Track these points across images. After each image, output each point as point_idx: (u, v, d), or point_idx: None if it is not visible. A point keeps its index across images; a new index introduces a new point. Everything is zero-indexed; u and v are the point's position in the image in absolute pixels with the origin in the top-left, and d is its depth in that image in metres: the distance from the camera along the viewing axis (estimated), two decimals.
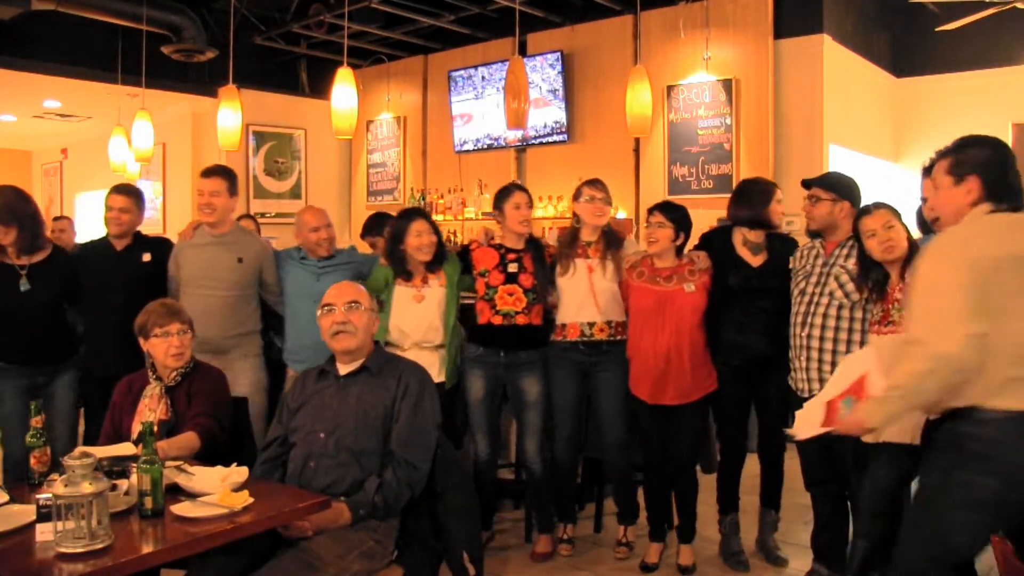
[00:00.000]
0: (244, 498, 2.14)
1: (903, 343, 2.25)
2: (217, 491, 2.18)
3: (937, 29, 6.07)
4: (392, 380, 2.60)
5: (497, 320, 3.54)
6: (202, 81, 7.73)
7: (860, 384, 2.41)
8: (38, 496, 1.96)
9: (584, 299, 3.50)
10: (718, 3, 6.08)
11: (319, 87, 8.33)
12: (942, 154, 2.32)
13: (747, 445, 3.60)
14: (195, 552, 2.05)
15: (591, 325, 3.50)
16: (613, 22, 6.69)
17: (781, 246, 3.42)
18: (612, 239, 3.58)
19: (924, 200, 2.70)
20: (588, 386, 3.58)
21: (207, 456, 2.60)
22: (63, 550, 1.84)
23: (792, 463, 3.53)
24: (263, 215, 7.89)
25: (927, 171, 2.67)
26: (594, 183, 3.61)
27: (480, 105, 7.40)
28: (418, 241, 3.52)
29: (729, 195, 5.82)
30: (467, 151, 7.54)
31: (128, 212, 3.74)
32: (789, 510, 3.77)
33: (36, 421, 2.36)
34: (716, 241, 3.54)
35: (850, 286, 3.03)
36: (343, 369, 2.66)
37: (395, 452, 2.51)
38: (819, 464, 3.19)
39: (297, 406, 2.67)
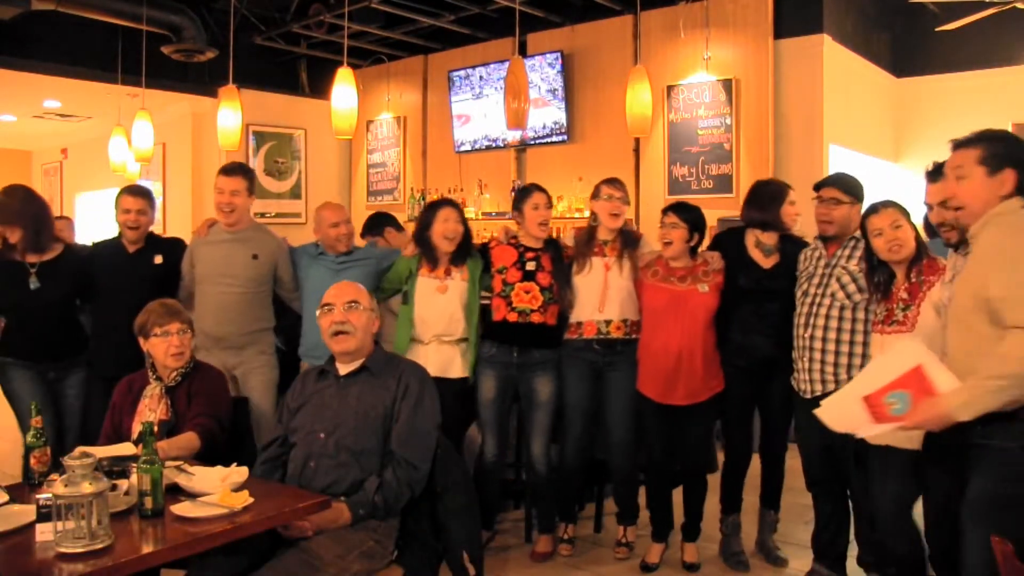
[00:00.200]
0: (244, 498, 2.14)
1: (985, 336, 2.14)
2: (217, 491, 2.18)
3: (937, 29, 6.07)
4: (392, 380, 2.60)
5: (512, 317, 3.54)
6: (202, 81, 7.73)
7: (913, 378, 2.27)
8: (38, 496, 1.96)
9: (600, 295, 3.51)
10: (718, 3, 6.08)
11: (319, 87, 8.32)
12: (963, 144, 2.28)
13: (752, 446, 3.60)
14: (195, 552, 2.05)
15: (608, 323, 3.51)
16: (613, 22, 6.68)
17: (793, 249, 3.40)
18: (629, 238, 3.59)
19: (929, 207, 2.65)
20: (599, 386, 3.58)
21: (207, 456, 2.60)
22: (63, 550, 1.84)
23: (793, 463, 3.53)
24: (263, 215, 7.90)
25: (932, 176, 2.63)
26: (613, 182, 3.63)
27: (479, 105, 7.39)
28: (444, 227, 3.55)
29: (729, 195, 5.93)
30: (467, 151, 7.54)
31: (144, 214, 3.77)
32: (789, 510, 3.78)
33: (36, 421, 2.37)
34: (728, 242, 3.54)
35: (851, 287, 3.03)
36: (343, 369, 2.66)
37: (395, 452, 2.51)
38: (820, 464, 3.19)
39: (297, 406, 2.67)
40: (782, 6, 5.91)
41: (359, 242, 4.19)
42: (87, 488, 1.87)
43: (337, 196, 8.61)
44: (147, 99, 6.75)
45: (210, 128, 6.75)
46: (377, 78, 8.28)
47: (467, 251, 3.65)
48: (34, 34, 6.74)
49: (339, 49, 6.94)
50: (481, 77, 7.33)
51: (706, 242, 3.59)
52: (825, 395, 3.04)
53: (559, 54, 6.81)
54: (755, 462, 3.63)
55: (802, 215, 3.49)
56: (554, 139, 6.96)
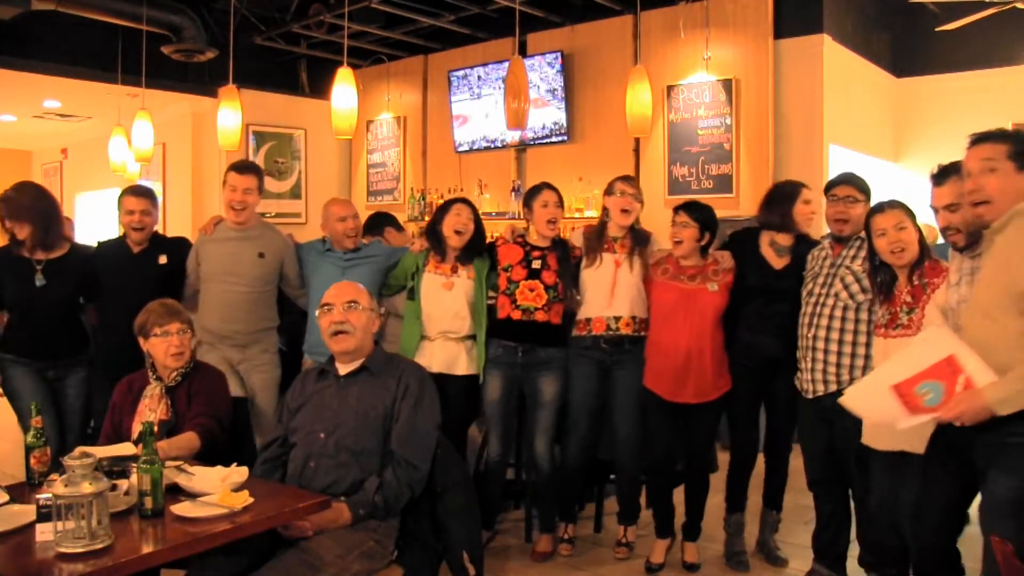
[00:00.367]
0: (244, 498, 2.14)
1: (1014, 330, 2.11)
2: (217, 491, 2.18)
3: (937, 29, 6.07)
4: (392, 380, 2.60)
5: (516, 315, 3.55)
6: (202, 81, 7.73)
7: (946, 368, 2.21)
8: (38, 496, 1.96)
9: (610, 290, 3.51)
10: (718, 3, 6.08)
11: (319, 87, 8.32)
12: (991, 138, 2.27)
13: (757, 446, 3.60)
14: (195, 552, 2.05)
15: (617, 319, 3.51)
16: (613, 22, 6.68)
17: (806, 250, 3.36)
18: (639, 237, 3.60)
19: (936, 210, 2.62)
20: (606, 384, 3.58)
21: (207, 456, 2.60)
22: (63, 550, 1.84)
23: (794, 462, 3.53)
24: (263, 215, 7.89)
25: (937, 179, 2.60)
26: (627, 179, 3.66)
27: (477, 105, 7.39)
28: (455, 220, 3.57)
29: (729, 195, 5.93)
30: (465, 151, 7.54)
31: (148, 214, 3.77)
32: (789, 510, 3.77)
33: (36, 421, 2.37)
34: (742, 241, 3.54)
35: (855, 287, 3.02)
36: (343, 369, 2.66)
37: (395, 452, 2.51)
38: (822, 464, 3.19)
39: (297, 406, 2.67)
40: (782, 6, 5.90)
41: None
42: (87, 488, 1.87)
43: (337, 196, 8.60)
44: (147, 99, 6.75)
45: (210, 128, 6.75)
46: (377, 78, 8.28)
47: (477, 251, 3.65)
48: (34, 34, 6.73)
49: (339, 49, 6.94)
50: (479, 77, 7.33)
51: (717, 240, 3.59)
52: (827, 395, 3.05)
53: (559, 54, 6.81)
54: (758, 461, 3.62)
55: (817, 213, 3.46)
56: (553, 139, 6.97)
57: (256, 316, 3.69)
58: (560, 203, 3.67)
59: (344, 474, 2.50)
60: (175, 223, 8.05)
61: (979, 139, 2.32)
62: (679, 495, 3.64)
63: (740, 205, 5.95)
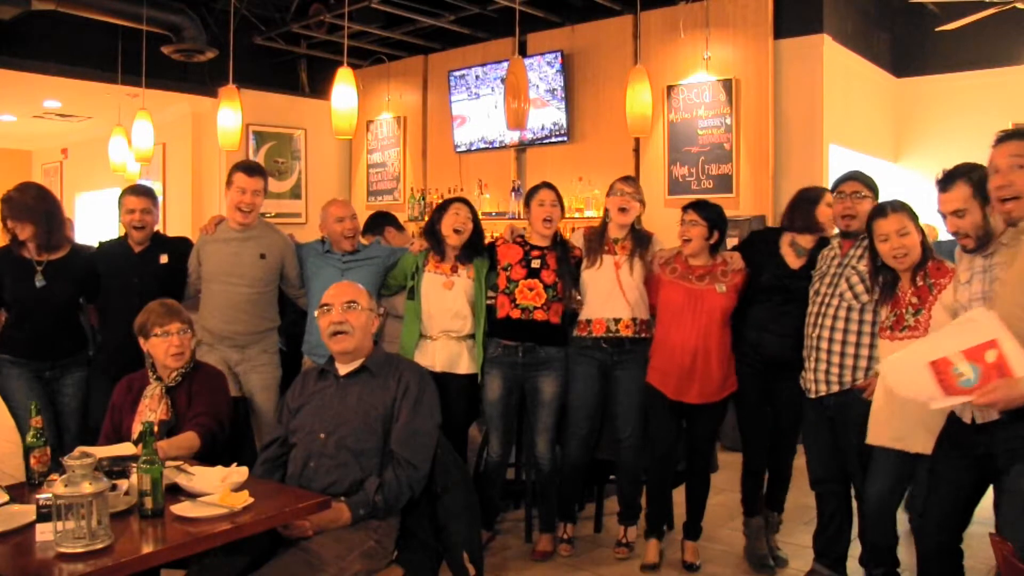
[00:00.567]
0: (244, 498, 2.14)
1: None
2: (217, 491, 2.18)
3: (937, 29, 6.07)
4: (392, 380, 2.60)
5: (516, 314, 3.55)
6: (202, 81, 7.73)
7: (987, 351, 2.18)
8: (38, 496, 1.96)
9: (610, 292, 3.51)
10: (718, 3, 6.08)
11: (319, 87, 8.33)
12: (1015, 136, 2.28)
13: (767, 446, 3.58)
14: (195, 552, 2.05)
15: (617, 321, 3.51)
16: (613, 22, 6.69)
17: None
18: (641, 238, 3.59)
19: (944, 215, 2.60)
20: (607, 384, 3.58)
21: (207, 456, 2.60)
22: (63, 550, 1.84)
23: (797, 462, 3.53)
24: (263, 215, 7.89)
25: (942, 184, 2.59)
26: (627, 179, 3.67)
27: (474, 106, 7.39)
28: (454, 219, 3.58)
29: (729, 195, 5.93)
30: (464, 151, 7.54)
31: (149, 213, 3.76)
32: (790, 510, 3.77)
33: (36, 421, 2.37)
34: (762, 239, 3.53)
35: (860, 287, 3.01)
36: (343, 369, 2.66)
37: (395, 452, 2.51)
38: (826, 463, 3.18)
39: (297, 406, 2.67)
40: (782, 6, 5.91)
41: (362, 240, 4.18)
42: (87, 488, 1.87)
43: (337, 196, 8.59)
44: (147, 99, 6.75)
45: (210, 128, 6.75)
46: (377, 78, 8.28)
47: (476, 250, 3.66)
48: (34, 34, 6.74)
49: (339, 49, 6.94)
50: (477, 77, 7.33)
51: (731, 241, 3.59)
52: (830, 395, 3.05)
53: (559, 54, 6.81)
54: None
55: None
56: (553, 140, 6.97)
57: (257, 316, 3.69)
58: (557, 202, 3.66)
59: (344, 474, 2.50)
60: (175, 223, 8.05)
61: (1007, 136, 2.33)
62: (679, 495, 3.64)
63: (740, 205, 5.96)
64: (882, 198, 2.96)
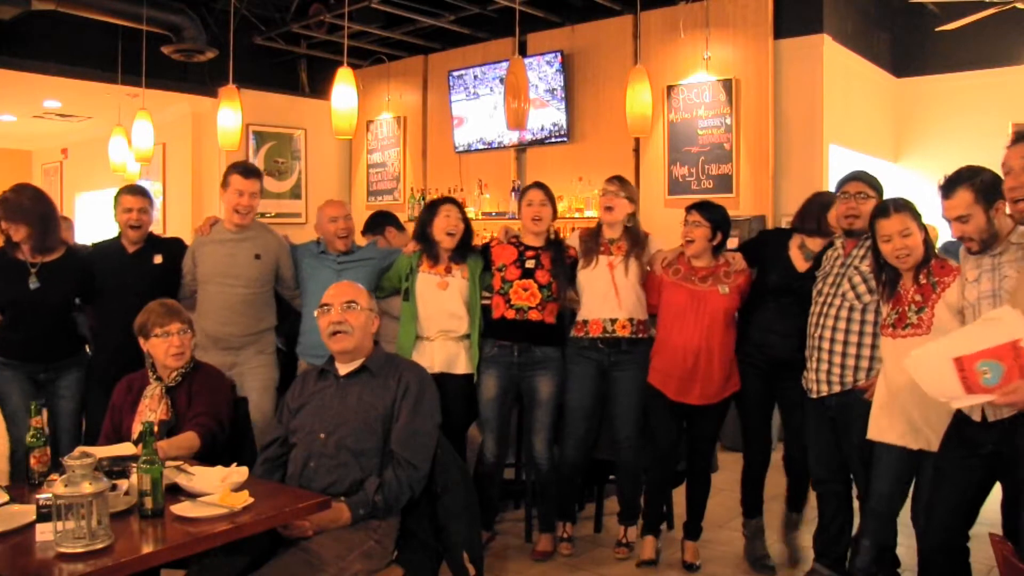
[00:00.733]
0: (244, 498, 2.14)
1: None
2: (217, 491, 2.18)
3: (937, 29, 6.07)
4: (392, 380, 2.60)
5: (511, 314, 3.56)
6: (202, 81, 7.74)
7: (1010, 351, 2.18)
8: (38, 496, 1.96)
9: (605, 293, 3.51)
10: (718, 3, 6.08)
11: (319, 87, 8.33)
12: None
13: (771, 447, 3.57)
14: (195, 552, 2.05)
15: (613, 321, 3.51)
16: (613, 22, 6.69)
17: None
18: (636, 239, 3.57)
19: (949, 221, 2.60)
20: (604, 385, 3.58)
21: (207, 456, 2.60)
22: (63, 550, 1.84)
23: None
24: (263, 215, 7.89)
25: (945, 190, 2.59)
26: (613, 179, 3.65)
27: (472, 106, 7.40)
28: (445, 222, 3.58)
29: (729, 195, 5.93)
30: (465, 151, 7.54)
31: (146, 212, 3.75)
32: None
33: (36, 421, 2.37)
34: (772, 240, 3.52)
35: (862, 288, 3.01)
36: (343, 369, 2.66)
37: (395, 452, 2.51)
38: (827, 463, 3.18)
39: (297, 406, 2.67)
40: (782, 6, 5.91)
41: (360, 240, 4.19)
42: (87, 488, 1.87)
43: (337, 196, 8.59)
44: (147, 99, 6.75)
45: (210, 128, 6.75)
46: (377, 78, 8.28)
47: (468, 249, 3.67)
48: (34, 34, 6.74)
49: (339, 49, 6.94)
50: (475, 77, 7.33)
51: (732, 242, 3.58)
52: (832, 396, 3.05)
53: (559, 54, 6.81)
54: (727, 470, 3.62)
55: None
56: (552, 140, 6.97)
57: (252, 318, 3.68)
58: (547, 202, 3.65)
59: (344, 474, 2.50)
60: (175, 223, 8.05)
61: (1021, 137, 2.34)
62: (679, 495, 3.64)
63: (740, 205, 5.96)
64: (893, 196, 2.94)
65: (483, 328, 3.64)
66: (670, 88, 6.28)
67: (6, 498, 2.19)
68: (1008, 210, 2.39)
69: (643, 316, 3.55)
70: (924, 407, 2.62)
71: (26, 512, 2.05)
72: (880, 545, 2.91)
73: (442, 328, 3.58)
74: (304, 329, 3.77)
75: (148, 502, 2.07)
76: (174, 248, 3.84)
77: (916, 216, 2.78)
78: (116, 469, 2.24)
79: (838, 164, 5.86)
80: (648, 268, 3.56)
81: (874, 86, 6.76)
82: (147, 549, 1.94)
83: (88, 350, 3.82)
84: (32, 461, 2.35)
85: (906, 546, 2.98)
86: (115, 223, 3.80)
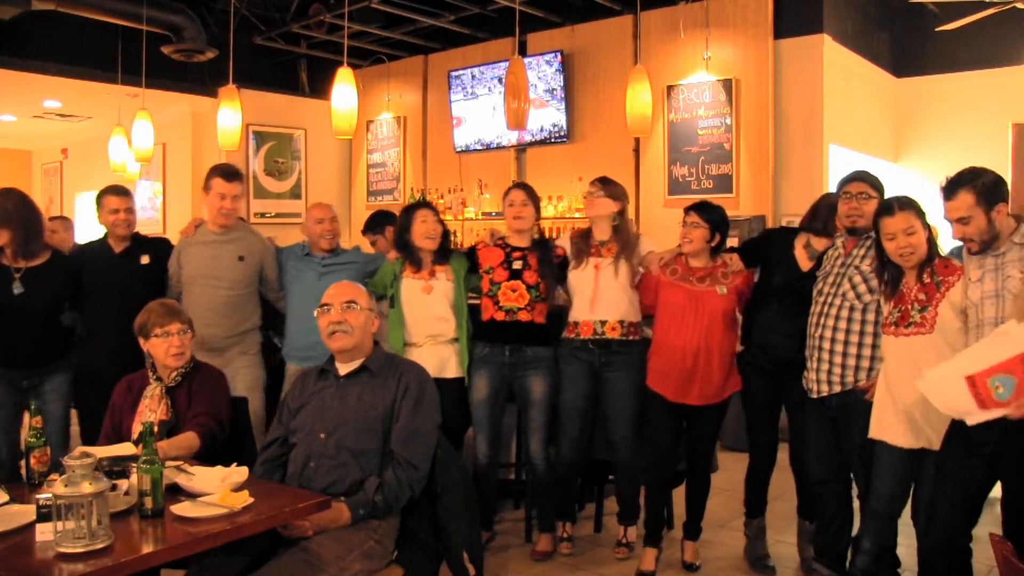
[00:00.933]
0: (244, 498, 2.14)
1: None
2: (217, 491, 2.18)
3: (937, 29, 6.07)
4: (392, 380, 2.60)
5: (500, 316, 3.56)
6: (202, 81, 7.74)
7: (1020, 363, 2.21)
8: (38, 496, 1.96)
9: (592, 295, 3.51)
10: (718, 3, 6.08)
11: (319, 87, 8.33)
12: None
13: (776, 448, 3.56)
14: (195, 552, 2.05)
15: (603, 323, 3.51)
16: (613, 22, 6.69)
17: None
18: (625, 241, 3.56)
19: (950, 222, 2.60)
20: (597, 386, 3.57)
21: (207, 456, 2.60)
22: (63, 550, 1.84)
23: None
24: (263, 215, 7.90)
25: (947, 192, 2.59)
26: (597, 180, 3.64)
27: (471, 106, 7.39)
28: (424, 227, 3.59)
29: (729, 195, 5.93)
30: (465, 151, 7.54)
31: (132, 212, 3.75)
32: (788, 510, 3.77)
33: (36, 421, 2.37)
34: (778, 240, 3.52)
35: (862, 287, 3.01)
36: (343, 369, 2.66)
37: (395, 452, 2.51)
38: (827, 463, 3.18)
39: (297, 407, 2.67)
40: (782, 6, 5.91)
41: (361, 240, 4.19)
42: (87, 488, 1.87)
43: (337, 196, 8.62)
44: (147, 99, 6.75)
45: (210, 128, 6.75)
46: (377, 78, 8.28)
47: (448, 249, 3.69)
48: (34, 34, 6.74)
49: (339, 49, 6.95)
50: (473, 76, 7.33)
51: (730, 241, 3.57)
52: (832, 396, 3.05)
53: (558, 54, 6.81)
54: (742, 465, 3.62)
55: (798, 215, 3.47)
56: (552, 140, 6.96)
57: (236, 319, 3.68)
58: (528, 202, 3.64)
59: (344, 474, 2.50)
60: (175, 223, 8.01)
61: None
62: (679, 495, 3.64)
63: (740, 205, 5.96)
64: (897, 194, 2.94)
65: (471, 330, 3.64)
66: (670, 88, 6.29)
67: (6, 498, 2.19)
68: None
69: (635, 318, 3.54)
70: (925, 406, 2.62)
71: (26, 512, 2.05)
72: (881, 545, 2.91)
73: (430, 333, 3.58)
74: (289, 331, 3.78)
75: (148, 502, 2.07)
76: (161, 248, 3.84)
77: (920, 215, 2.77)
78: (116, 469, 2.24)
79: (838, 164, 5.86)
80: (640, 269, 3.56)
81: (874, 86, 6.76)
82: (147, 549, 1.94)
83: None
84: (32, 461, 2.35)
85: (906, 546, 2.98)
86: (100, 225, 3.77)
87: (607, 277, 3.51)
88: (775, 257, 3.41)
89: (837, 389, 3.03)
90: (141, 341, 2.85)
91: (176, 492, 2.22)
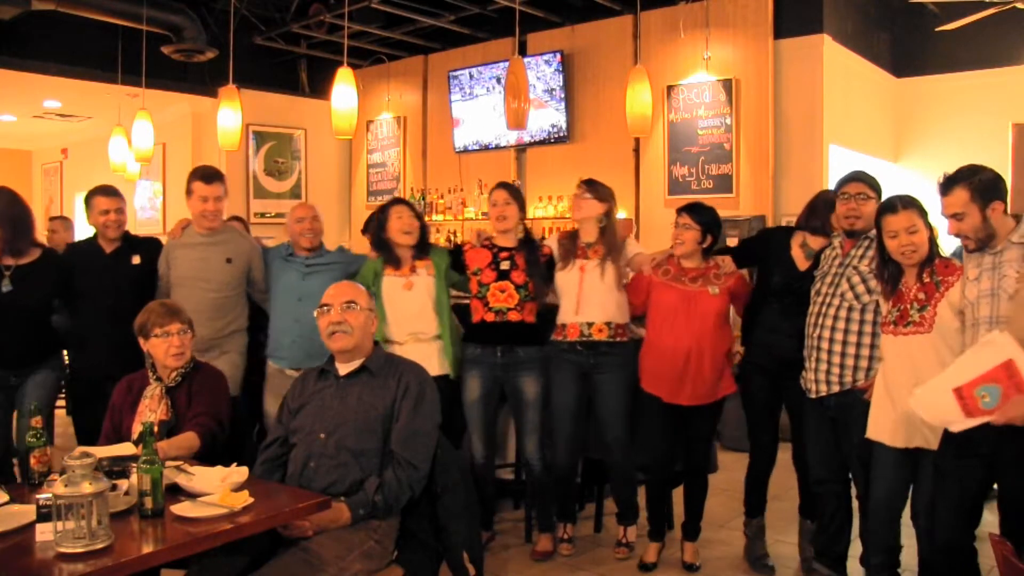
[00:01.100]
0: (244, 498, 2.14)
1: None
2: (217, 491, 2.18)
3: (937, 29, 6.07)
4: (392, 380, 2.60)
5: (490, 317, 3.56)
6: (202, 81, 7.74)
7: (1004, 372, 2.29)
8: (38, 496, 1.96)
9: (577, 297, 3.51)
10: (718, 3, 6.08)
11: (319, 87, 8.33)
12: None
13: (776, 448, 3.56)
14: (195, 552, 2.05)
15: (589, 325, 3.51)
16: (613, 22, 6.69)
17: None
18: (612, 242, 3.55)
19: (946, 218, 2.61)
20: (588, 387, 3.57)
21: (207, 456, 2.60)
22: (63, 550, 1.84)
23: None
24: (263, 215, 7.91)
25: (944, 188, 2.59)
26: (584, 182, 3.63)
27: (469, 106, 7.39)
28: (400, 223, 3.58)
29: (729, 195, 5.93)
30: (465, 151, 7.54)
31: (122, 212, 3.74)
32: (788, 509, 3.77)
33: (36, 421, 2.37)
34: (774, 238, 3.52)
35: (860, 287, 3.01)
36: (343, 369, 2.66)
37: (395, 452, 2.51)
38: (826, 463, 3.18)
39: (297, 407, 2.67)
40: (782, 6, 5.91)
41: (361, 239, 4.18)
42: (87, 488, 1.87)
43: (337, 196, 8.62)
44: (147, 99, 6.75)
45: (210, 128, 6.75)
46: (377, 78, 8.28)
47: (427, 243, 3.68)
48: (34, 34, 6.74)
49: (339, 49, 6.95)
50: (471, 76, 7.33)
51: (727, 242, 3.57)
52: (831, 396, 3.05)
53: (558, 54, 6.81)
54: (741, 465, 3.62)
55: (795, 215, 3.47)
56: (552, 141, 6.96)
57: (222, 320, 3.68)
58: (511, 201, 3.63)
59: (344, 474, 2.50)
60: (175, 223, 8.04)
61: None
62: (679, 495, 3.64)
63: (740, 205, 5.96)
64: (899, 193, 2.93)
65: (459, 329, 3.63)
66: (670, 88, 6.29)
67: (6, 498, 2.19)
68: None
69: (622, 319, 3.53)
70: None
71: (26, 512, 2.05)
72: (882, 546, 2.91)
73: (412, 331, 3.57)
74: (270, 331, 3.78)
75: (148, 502, 2.07)
76: (151, 248, 3.83)
77: (923, 214, 2.77)
78: (116, 469, 2.24)
79: (838, 164, 5.86)
80: (628, 271, 3.55)
81: (874, 86, 6.76)
82: (147, 549, 1.94)
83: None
84: (32, 461, 2.35)
85: (906, 546, 2.98)
86: (90, 226, 3.76)
87: (592, 279, 3.51)
88: (772, 257, 3.41)
89: (836, 389, 3.03)
90: (141, 341, 2.85)
91: (176, 492, 2.22)
